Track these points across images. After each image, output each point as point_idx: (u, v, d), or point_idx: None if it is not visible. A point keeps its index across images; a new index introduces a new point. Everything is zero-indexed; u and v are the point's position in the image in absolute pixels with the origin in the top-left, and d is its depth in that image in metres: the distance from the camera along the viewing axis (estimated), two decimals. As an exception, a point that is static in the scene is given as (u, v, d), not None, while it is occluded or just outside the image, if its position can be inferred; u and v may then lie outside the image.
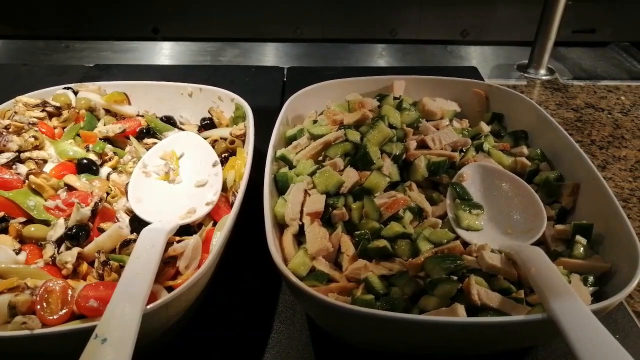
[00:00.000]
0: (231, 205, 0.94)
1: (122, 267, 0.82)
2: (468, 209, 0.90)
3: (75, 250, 0.83)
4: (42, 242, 0.85)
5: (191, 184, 0.96)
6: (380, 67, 1.84)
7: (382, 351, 0.81)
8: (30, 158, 0.96)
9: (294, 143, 1.02)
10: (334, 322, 0.75)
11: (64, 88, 1.18)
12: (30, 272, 0.77)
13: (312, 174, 0.91)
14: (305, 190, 0.89)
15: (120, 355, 0.59)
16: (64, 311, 0.69)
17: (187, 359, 0.81)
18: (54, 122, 1.08)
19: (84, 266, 0.83)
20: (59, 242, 0.85)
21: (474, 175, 0.96)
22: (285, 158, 0.99)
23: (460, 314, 0.67)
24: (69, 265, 0.81)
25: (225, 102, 1.20)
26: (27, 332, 0.65)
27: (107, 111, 1.19)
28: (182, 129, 1.16)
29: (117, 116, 1.19)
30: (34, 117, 1.03)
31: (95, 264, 0.83)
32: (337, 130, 0.97)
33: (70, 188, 0.92)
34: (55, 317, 0.68)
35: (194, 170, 0.98)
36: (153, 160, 0.99)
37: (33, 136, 0.98)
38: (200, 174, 0.97)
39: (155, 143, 1.11)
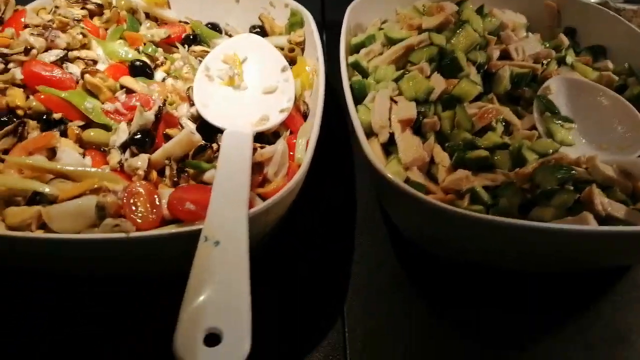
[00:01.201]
0: (303, 114, 0.87)
1: (199, 174, 0.75)
2: (560, 122, 0.84)
3: (145, 156, 0.75)
4: (105, 148, 0.77)
5: (258, 90, 0.88)
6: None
7: (471, 263, 0.77)
8: (79, 58, 0.86)
9: (365, 50, 0.94)
10: (440, 230, 0.70)
11: (98, -13, 1.06)
12: (104, 175, 0.69)
13: (396, 80, 0.84)
14: (391, 98, 0.82)
15: (238, 257, 0.54)
16: (153, 215, 0.62)
17: (271, 271, 0.76)
18: (96, 22, 0.97)
19: (154, 174, 0.75)
20: (123, 148, 0.77)
21: (560, 88, 0.90)
22: (358, 65, 0.91)
23: (591, 223, 0.63)
24: (140, 172, 0.74)
25: (277, 8, 1.10)
26: (122, 235, 0.58)
27: (147, 16, 1.08)
28: (231, 36, 1.06)
29: (157, 21, 1.08)
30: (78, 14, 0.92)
31: (167, 172, 0.75)
32: (418, 35, 0.89)
33: (128, 91, 0.83)
34: (146, 220, 0.61)
35: (260, 76, 0.90)
36: (215, 63, 0.90)
37: (81, 33, 0.87)
38: (267, 79, 0.89)
39: (205, 51, 1.02)
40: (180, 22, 1.09)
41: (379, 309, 0.74)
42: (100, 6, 0.97)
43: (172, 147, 0.77)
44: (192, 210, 0.61)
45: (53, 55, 0.83)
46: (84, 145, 0.78)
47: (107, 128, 0.80)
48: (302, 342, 0.45)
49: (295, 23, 1.06)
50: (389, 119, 0.79)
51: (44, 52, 0.83)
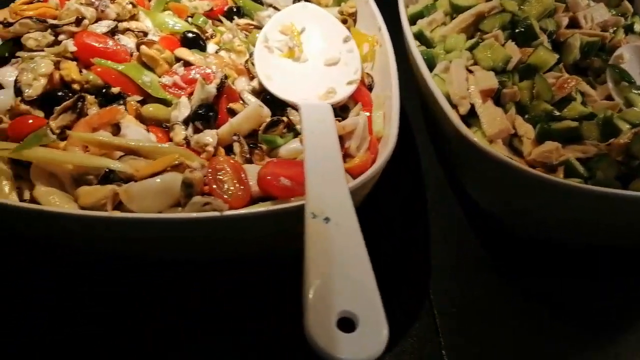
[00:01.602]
0: (369, 86, 0.82)
1: (273, 149, 0.70)
2: (638, 92, 0.81)
3: (213, 131, 0.71)
4: (167, 124, 0.72)
5: (319, 61, 0.83)
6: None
7: (549, 238, 0.74)
8: (128, 29, 0.80)
9: (427, 19, 0.89)
10: (536, 203, 0.66)
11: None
12: (182, 152, 0.64)
13: (470, 49, 0.79)
14: (466, 67, 0.78)
15: (353, 234, 0.49)
16: (242, 192, 0.58)
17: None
18: (138, -8, 0.91)
19: (221, 150, 0.70)
20: (185, 124, 0.72)
21: (632, 57, 0.86)
22: (422, 35, 0.86)
23: None
24: (210, 148, 0.69)
25: (323, -22, 1.04)
26: (214, 214, 0.53)
27: (184, -13, 1.02)
28: (277, 9, 1.01)
29: (197, -7, 1.02)
30: (121, -17, 0.86)
31: (236, 148, 0.70)
32: (487, 1, 0.84)
33: (185, 64, 0.78)
34: (237, 198, 0.57)
35: (320, 47, 0.84)
36: (273, 34, 0.84)
37: (130, 3, 0.81)
38: (329, 50, 0.84)
39: (249, 24, 0.96)
40: (220, -7, 1.03)
41: (465, 288, 0.71)
42: (144, -25, 0.91)
43: (240, 122, 0.72)
44: (288, 186, 0.57)
45: (104, 26, 0.77)
46: (144, 121, 0.73)
47: (165, 102, 0.75)
48: (393, 325, 0.42)
49: (343, -7, 1.00)
50: (467, 89, 0.75)
51: (93, 23, 0.77)
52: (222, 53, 0.85)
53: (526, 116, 0.75)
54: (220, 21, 0.95)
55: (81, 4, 0.77)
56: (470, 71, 0.78)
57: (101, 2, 0.78)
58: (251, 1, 1.01)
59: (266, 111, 0.73)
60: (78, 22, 0.74)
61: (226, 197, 0.56)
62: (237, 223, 0.54)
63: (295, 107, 0.74)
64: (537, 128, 0.73)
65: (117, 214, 0.53)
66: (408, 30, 0.83)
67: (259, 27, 0.96)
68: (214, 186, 0.57)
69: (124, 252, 0.64)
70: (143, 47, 0.75)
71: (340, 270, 0.46)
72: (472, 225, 0.78)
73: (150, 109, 0.73)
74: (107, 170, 0.60)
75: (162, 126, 0.72)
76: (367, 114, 0.72)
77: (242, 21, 0.97)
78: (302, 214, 0.52)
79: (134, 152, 0.64)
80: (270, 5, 1.02)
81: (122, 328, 0.66)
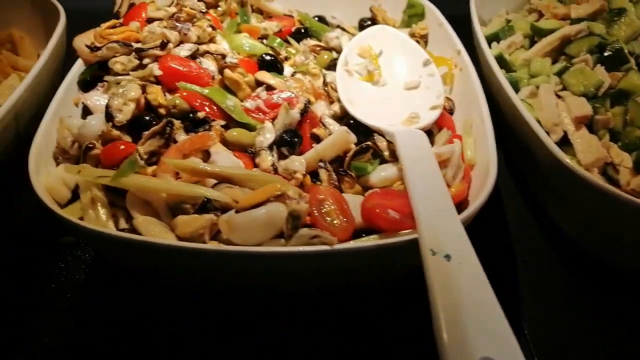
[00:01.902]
0: (449, 111, 0.80)
1: (359, 176, 0.68)
2: None
3: (300, 158, 0.69)
4: (250, 149, 0.71)
5: (399, 85, 0.81)
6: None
7: None
8: (208, 52, 0.79)
9: (506, 42, 0.87)
10: (632, 230, 0.63)
11: (203, -22, 1.00)
12: (274, 180, 0.63)
13: (558, 74, 0.77)
14: (555, 93, 0.75)
15: (477, 273, 0.47)
16: (347, 223, 0.56)
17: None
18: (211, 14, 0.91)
19: (307, 177, 0.69)
20: (269, 149, 0.71)
21: None
22: (502, 58, 0.84)
23: None
24: (299, 175, 0.67)
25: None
26: (325, 247, 0.52)
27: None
28: (345, 29, 1.00)
29: (262, 14, 1.02)
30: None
31: (323, 175, 0.69)
32: (570, 25, 0.82)
33: (266, 87, 0.77)
34: (343, 230, 0.55)
35: (399, 71, 0.83)
36: (352, 57, 0.83)
37: (210, 26, 0.81)
38: (408, 74, 0.82)
39: (317, 46, 0.96)
40: (285, 15, 1.03)
41: (558, 320, 0.68)
42: (216, -3, 0.90)
43: (326, 148, 0.71)
44: (397, 219, 0.55)
45: (186, 49, 0.76)
46: (227, 146, 0.71)
47: (248, 127, 0.73)
48: None
49: (414, 15, 0.99)
50: (559, 116, 0.72)
51: (176, 46, 0.77)
52: (298, 76, 0.84)
53: (619, 143, 0.72)
54: (289, 42, 0.94)
55: (164, 27, 0.77)
56: (559, 97, 0.75)
57: (184, 25, 0.77)
58: (318, 22, 1.01)
59: (352, 137, 0.71)
60: (163, 45, 0.74)
61: (332, 229, 0.54)
62: (346, 257, 0.52)
63: (379, 133, 0.72)
64: (633, 156, 0.70)
65: (229, 247, 0.52)
66: (489, 54, 0.81)
67: (327, 49, 0.96)
68: (319, 218, 0.55)
69: (220, 283, 0.62)
70: (227, 71, 0.74)
71: (472, 313, 0.43)
72: (559, 254, 0.76)
73: (234, 134, 0.72)
74: (205, 199, 0.59)
75: (247, 151, 0.71)
76: (458, 141, 0.70)
77: (311, 42, 0.97)
78: (413, 248, 0.50)
79: (227, 179, 0.62)
80: (338, 26, 1.01)
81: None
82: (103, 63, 0.75)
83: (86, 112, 0.73)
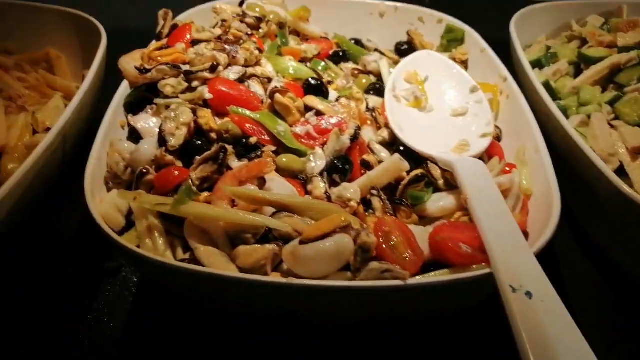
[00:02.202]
0: (496, 138, 0.80)
1: (413, 205, 0.67)
2: None
3: (354, 185, 0.68)
4: (301, 176, 0.70)
5: (446, 112, 0.81)
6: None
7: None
8: (254, 75, 0.78)
9: (551, 70, 0.87)
10: None
11: (242, 1, 0.99)
12: (330, 209, 0.61)
13: (610, 103, 0.76)
14: (608, 122, 0.75)
15: (560, 311, 0.46)
16: (415, 257, 0.55)
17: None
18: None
19: (360, 206, 0.67)
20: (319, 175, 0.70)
21: None
22: (548, 86, 0.83)
23: None
24: (354, 204, 0.66)
25: (428, 24, 1.03)
26: (398, 282, 0.50)
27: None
28: (382, 53, 0.99)
29: (299, 36, 1.02)
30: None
31: (376, 203, 0.67)
32: (618, 53, 0.82)
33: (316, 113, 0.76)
34: (412, 264, 0.53)
35: (446, 97, 0.82)
36: (399, 83, 0.82)
37: (257, 48, 0.80)
38: (455, 101, 0.82)
39: (356, 69, 0.95)
40: (321, 37, 1.02)
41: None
42: (259, 20, 0.90)
43: (379, 176, 0.70)
44: (469, 253, 0.53)
45: (234, 72, 0.76)
46: (278, 173, 0.70)
47: (297, 153, 0.72)
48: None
49: (453, 40, 0.99)
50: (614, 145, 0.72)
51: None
52: (343, 100, 0.83)
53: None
54: (328, 65, 0.94)
55: (213, 49, 0.76)
56: (612, 126, 0.75)
57: (233, 47, 0.76)
58: (355, 45, 1.01)
59: (406, 165, 0.70)
60: (213, 68, 0.73)
61: (402, 262, 0.53)
62: (419, 292, 0.51)
63: (432, 160, 0.71)
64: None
65: (308, 282, 0.50)
66: (537, 82, 0.81)
67: (365, 72, 0.95)
68: (388, 251, 0.54)
69: (278, 311, 0.60)
70: (277, 96, 0.73)
71: (562, 353, 0.42)
72: (613, 288, 0.74)
73: (285, 160, 0.70)
74: (266, 229, 0.58)
75: (298, 178, 0.70)
76: (517, 170, 0.69)
77: (349, 65, 0.96)
78: (487, 282, 0.49)
79: (286, 208, 0.61)
80: (375, 50, 1.01)
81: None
82: (150, 85, 0.74)
83: (133, 134, 0.72)
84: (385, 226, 0.56)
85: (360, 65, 0.97)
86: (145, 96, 0.75)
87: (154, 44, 0.79)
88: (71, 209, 0.77)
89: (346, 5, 1.06)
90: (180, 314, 0.67)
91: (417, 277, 0.53)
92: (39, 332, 0.67)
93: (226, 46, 0.77)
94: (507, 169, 0.71)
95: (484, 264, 0.53)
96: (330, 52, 0.97)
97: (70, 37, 0.97)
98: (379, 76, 0.94)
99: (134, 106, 0.76)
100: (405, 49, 1.02)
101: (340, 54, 0.97)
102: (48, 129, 0.75)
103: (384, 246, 0.54)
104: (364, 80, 0.93)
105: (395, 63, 0.97)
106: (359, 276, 0.53)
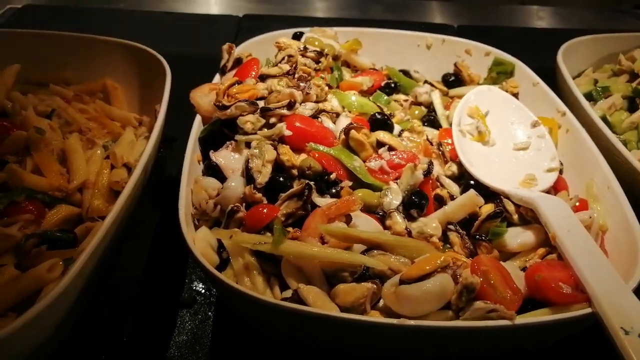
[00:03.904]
0: (560, 171, 0.82)
1: (489, 241, 0.69)
2: None
3: (434, 220, 0.70)
4: (379, 210, 0.71)
5: (508, 146, 0.83)
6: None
7: None
8: (324, 110, 0.80)
9: (606, 103, 0.90)
10: None
11: (296, 33, 1.02)
12: (422, 247, 0.63)
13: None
14: (671, 157, 0.77)
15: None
16: (516, 296, 0.56)
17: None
18: (312, 70, 0.92)
19: (440, 242, 0.69)
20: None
21: None
22: (605, 120, 0.86)
23: None
24: (435, 239, 0.68)
25: (475, 56, 1.06)
26: (505, 322, 0.52)
27: (337, 62, 1.03)
28: (432, 85, 1.02)
29: (349, 67, 1.04)
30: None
31: (454, 238, 0.69)
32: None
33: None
34: (513, 303, 0.55)
35: (507, 131, 0.84)
36: (463, 118, 0.84)
37: (327, 84, 0.82)
38: (517, 135, 0.84)
39: (407, 100, 0.97)
40: (371, 69, 1.05)
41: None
42: (319, 54, 0.92)
43: (454, 211, 0.71)
44: (570, 293, 0.55)
45: (308, 108, 0.77)
46: (354, 208, 0.72)
47: (371, 188, 0.74)
48: None
49: (502, 72, 1.01)
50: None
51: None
52: (406, 134, 0.85)
53: None
54: (380, 97, 0.96)
55: (288, 86, 0.77)
56: (676, 161, 0.77)
57: (307, 85, 0.78)
58: (406, 77, 1.03)
59: (481, 200, 0.72)
60: (290, 105, 0.75)
61: (505, 302, 0.54)
62: (526, 331, 0.52)
63: (504, 195, 0.73)
64: None
65: (416, 322, 0.51)
66: (596, 116, 0.83)
67: (416, 104, 0.97)
68: (489, 290, 0.55)
69: (368, 351, 0.61)
70: (353, 132, 0.75)
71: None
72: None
73: (360, 195, 0.72)
74: (364, 267, 0.59)
75: (376, 213, 0.71)
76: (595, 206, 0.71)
77: (401, 97, 0.98)
78: (587, 322, 0.50)
79: (377, 245, 0.62)
80: (425, 81, 1.03)
81: None
82: (225, 120, 0.76)
83: (209, 170, 0.73)
84: (483, 265, 0.58)
85: (411, 96, 0.99)
86: (219, 131, 0.77)
87: (226, 79, 0.81)
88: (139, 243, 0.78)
89: (393, 37, 1.09)
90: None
91: (523, 317, 0.54)
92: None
93: (301, 83, 0.78)
94: (577, 204, 0.73)
95: (584, 303, 0.54)
96: (382, 84, 0.99)
97: (126, 67, 0.99)
98: (428, 107, 0.96)
99: (207, 141, 0.77)
100: (452, 80, 1.04)
101: (392, 85, 0.99)
102: (124, 164, 0.76)
103: (485, 285, 0.55)
104: (417, 112, 0.95)
105: (445, 94, 1.00)
106: (463, 315, 0.54)
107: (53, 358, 0.62)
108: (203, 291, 0.76)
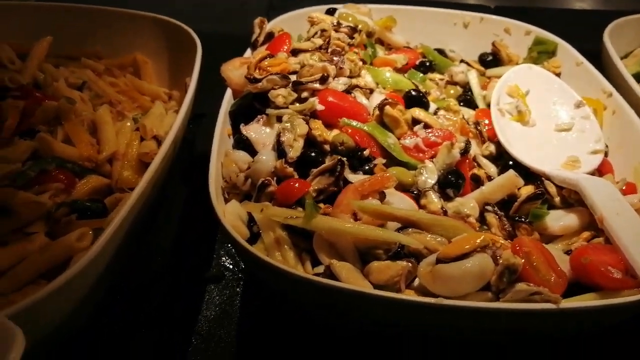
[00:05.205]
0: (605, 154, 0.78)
1: (529, 223, 0.66)
2: None
3: (471, 200, 0.67)
4: (413, 189, 0.69)
5: (549, 127, 0.79)
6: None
7: None
8: (357, 86, 0.78)
9: (654, 85, 0.85)
10: None
11: (329, 9, 0.99)
12: (458, 226, 0.60)
13: None
14: None
15: None
16: (560, 279, 0.53)
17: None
18: (345, 46, 0.90)
19: (476, 223, 0.66)
20: (428, 190, 0.68)
21: None
22: (653, 101, 0.81)
23: None
24: (472, 219, 0.65)
25: (514, 35, 1.01)
26: (549, 306, 0.49)
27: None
28: (468, 63, 0.98)
29: (382, 45, 1.01)
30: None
31: (491, 219, 0.66)
32: None
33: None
34: (558, 286, 0.52)
35: (549, 111, 0.81)
36: (502, 97, 0.81)
37: (362, 59, 0.79)
38: (559, 116, 0.80)
39: (442, 79, 0.94)
40: (405, 47, 1.01)
41: None
42: (353, 29, 0.89)
43: (492, 191, 0.69)
44: (619, 278, 0.52)
45: (342, 83, 0.75)
46: (387, 186, 0.69)
47: (405, 166, 0.71)
48: None
49: (543, 52, 0.97)
50: None
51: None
52: (441, 112, 0.82)
53: None
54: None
55: (321, 60, 0.75)
56: None
57: (340, 59, 0.76)
58: (441, 56, 1.00)
59: (520, 181, 0.69)
60: (323, 80, 0.72)
61: (549, 285, 0.52)
62: (570, 315, 0.50)
63: (545, 177, 0.70)
64: None
65: (453, 302, 0.49)
66: (643, 95, 0.79)
67: (451, 83, 0.94)
68: (532, 272, 0.52)
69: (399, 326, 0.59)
70: (387, 108, 0.72)
71: None
72: None
73: (394, 173, 0.69)
74: (399, 245, 0.57)
75: (410, 192, 0.69)
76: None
77: (436, 76, 0.95)
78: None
79: (412, 223, 0.60)
80: (462, 61, 0.99)
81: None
82: (257, 94, 0.74)
83: (239, 144, 0.72)
84: (525, 246, 0.55)
85: (446, 75, 0.95)
86: (249, 105, 0.75)
87: (258, 52, 0.79)
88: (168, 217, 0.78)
89: (429, 15, 1.05)
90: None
91: (568, 301, 0.51)
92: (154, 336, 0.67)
93: (334, 57, 0.76)
94: (624, 187, 0.69)
95: (636, 289, 0.51)
96: (417, 62, 0.96)
97: (156, 41, 0.98)
98: (464, 87, 0.93)
99: (237, 115, 0.76)
100: (490, 60, 1.00)
101: (427, 64, 0.96)
102: (154, 137, 0.75)
103: (527, 267, 0.53)
104: (452, 92, 0.92)
105: (481, 74, 0.97)
106: (503, 297, 0.52)
107: (81, 330, 0.61)
108: (231, 267, 0.75)
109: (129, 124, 0.76)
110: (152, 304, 0.70)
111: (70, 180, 0.65)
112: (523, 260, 0.52)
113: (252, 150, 0.70)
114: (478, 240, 0.54)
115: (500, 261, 0.52)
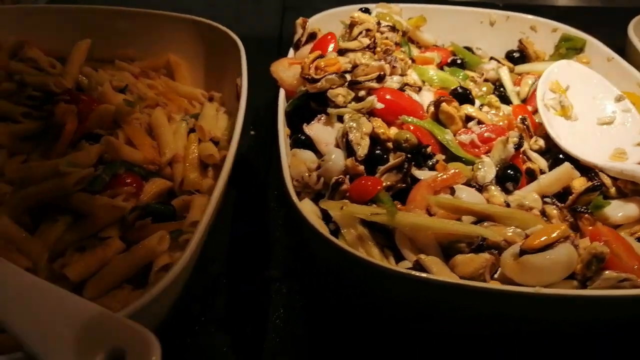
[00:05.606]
0: None
1: (590, 214, 0.68)
2: None
3: (533, 193, 0.69)
4: (473, 184, 0.70)
5: (592, 121, 0.82)
6: None
7: None
8: (407, 84, 0.79)
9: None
10: None
11: (362, 9, 1.00)
12: (530, 218, 0.62)
13: None
14: None
15: None
16: (637, 264, 0.55)
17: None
18: (383, 45, 0.91)
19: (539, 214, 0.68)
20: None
21: None
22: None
23: None
24: (536, 211, 0.67)
25: (541, 32, 1.04)
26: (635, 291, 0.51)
27: (401, 38, 1.02)
28: (498, 61, 1.00)
29: (413, 43, 1.02)
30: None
31: (552, 211, 0.68)
32: None
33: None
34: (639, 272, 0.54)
35: (590, 106, 0.83)
36: (546, 92, 0.83)
37: (410, 58, 0.81)
38: (600, 110, 0.83)
39: (480, 76, 0.96)
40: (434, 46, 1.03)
41: None
42: (392, 29, 0.90)
43: (549, 184, 0.71)
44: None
45: (395, 82, 0.76)
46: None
47: (462, 161, 0.73)
48: None
49: (571, 49, 1.00)
50: None
51: (384, 78, 0.77)
52: (486, 109, 0.84)
53: None
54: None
55: (375, 59, 0.76)
56: None
57: (393, 58, 0.77)
58: (471, 54, 1.02)
59: (576, 173, 0.71)
60: (380, 78, 0.73)
61: (636, 272, 0.54)
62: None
63: (597, 169, 0.72)
64: None
65: (553, 291, 0.51)
66: (679, 90, 0.82)
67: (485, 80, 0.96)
68: (617, 260, 0.54)
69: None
70: (444, 105, 0.74)
71: None
72: None
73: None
74: (481, 238, 0.58)
75: (471, 186, 0.70)
76: None
77: (469, 73, 0.97)
78: None
79: (487, 217, 0.62)
80: (491, 58, 1.01)
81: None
82: (313, 94, 0.74)
83: (299, 143, 0.72)
84: (604, 235, 0.57)
85: (477, 73, 0.97)
86: (304, 105, 0.76)
87: (301, 54, 0.79)
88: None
89: (457, 14, 1.07)
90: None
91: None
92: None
93: (388, 56, 0.77)
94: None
95: None
96: (449, 60, 0.98)
97: (190, 43, 0.97)
98: (494, 84, 0.95)
99: (292, 116, 0.76)
100: (517, 57, 1.03)
101: (458, 62, 0.98)
102: (211, 139, 0.75)
103: (610, 255, 0.55)
104: (484, 88, 0.94)
105: (511, 71, 0.99)
106: (591, 285, 0.54)
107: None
108: (290, 266, 0.75)
109: (184, 125, 0.76)
110: (219, 304, 0.70)
111: (139, 184, 0.65)
112: (608, 250, 0.54)
113: (313, 150, 0.71)
114: (559, 232, 0.55)
115: (587, 250, 0.54)
